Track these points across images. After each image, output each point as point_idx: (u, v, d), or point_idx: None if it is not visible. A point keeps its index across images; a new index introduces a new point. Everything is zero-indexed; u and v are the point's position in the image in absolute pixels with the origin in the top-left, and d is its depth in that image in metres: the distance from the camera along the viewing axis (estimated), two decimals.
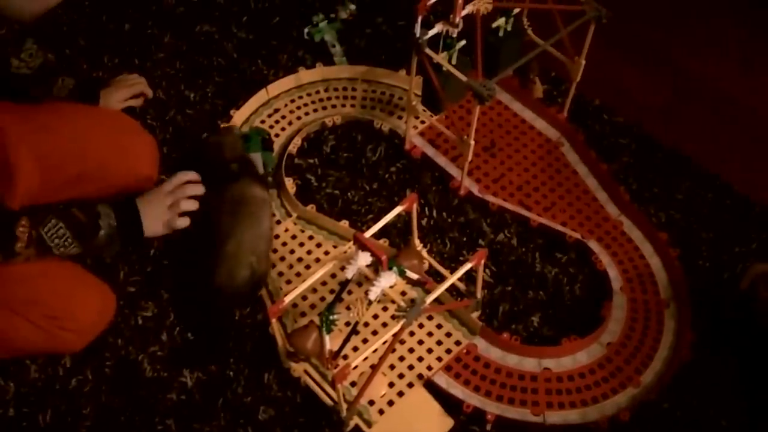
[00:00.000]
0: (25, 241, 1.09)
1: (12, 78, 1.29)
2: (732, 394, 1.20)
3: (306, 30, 1.63)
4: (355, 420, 1.14)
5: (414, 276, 1.11)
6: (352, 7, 1.68)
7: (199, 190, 1.29)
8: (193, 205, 1.27)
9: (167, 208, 1.25)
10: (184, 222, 1.26)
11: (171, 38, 1.64)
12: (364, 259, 1.05)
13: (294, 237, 1.34)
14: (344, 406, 1.11)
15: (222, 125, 1.45)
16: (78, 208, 1.16)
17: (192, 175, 1.30)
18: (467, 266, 1.09)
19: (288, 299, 1.07)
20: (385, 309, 1.26)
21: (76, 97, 1.37)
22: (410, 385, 1.18)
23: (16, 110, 1.26)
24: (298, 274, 1.30)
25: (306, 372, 1.19)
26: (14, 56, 1.29)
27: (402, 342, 1.22)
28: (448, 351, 1.21)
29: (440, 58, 1.28)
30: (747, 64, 1.67)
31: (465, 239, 1.36)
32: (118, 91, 1.45)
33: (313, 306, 1.26)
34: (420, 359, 1.21)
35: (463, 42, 1.36)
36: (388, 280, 1.03)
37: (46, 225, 1.12)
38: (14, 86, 1.30)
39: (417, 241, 1.27)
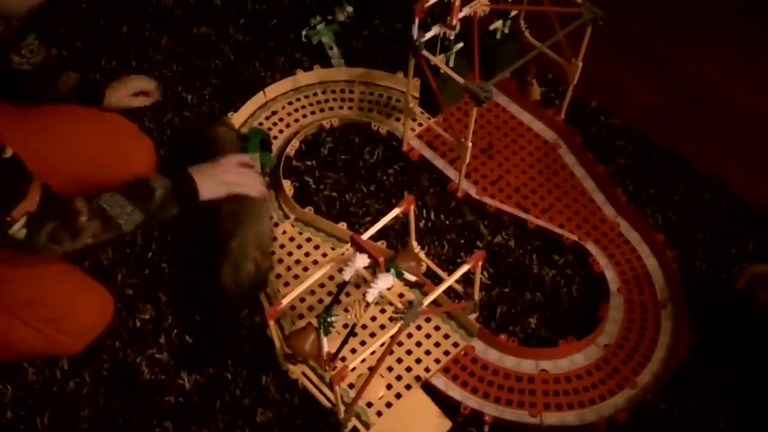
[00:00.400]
0: (87, 214, 1.07)
1: (13, 75, 1.28)
2: (729, 394, 1.20)
3: (303, 32, 1.63)
4: (353, 422, 1.14)
5: (412, 278, 1.11)
6: (350, 9, 1.68)
7: (254, 173, 1.26)
8: (252, 176, 1.23)
9: (222, 173, 1.21)
10: (248, 187, 1.22)
11: (168, 40, 1.64)
12: (362, 261, 1.05)
13: (292, 239, 1.35)
14: (342, 408, 1.12)
15: (220, 119, 1.44)
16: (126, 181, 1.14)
17: (247, 159, 1.27)
18: (464, 268, 1.10)
19: (286, 301, 1.08)
20: (383, 311, 1.26)
21: (81, 92, 1.36)
22: (408, 386, 1.18)
23: (15, 112, 1.26)
24: (296, 276, 1.30)
25: (304, 374, 1.19)
26: (15, 53, 1.27)
27: (400, 344, 1.22)
28: (446, 353, 1.22)
29: (437, 60, 1.28)
30: (745, 64, 1.68)
31: (463, 241, 1.36)
32: (125, 86, 1.44)
33: (311, 308, 1.26)
34: (418, 361, 1.21)
35: (461, 44, 1.36)
36: (385, 282, 1.03)
37: (102, 197, 1.10)
38: (15, 84, 1.29)
39: (414, 243, 1.27)
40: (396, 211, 1.13)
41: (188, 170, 1.19)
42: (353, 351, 1.20)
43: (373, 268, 1.06)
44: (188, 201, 1.17)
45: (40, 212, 1.03)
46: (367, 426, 1.14)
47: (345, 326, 1.16)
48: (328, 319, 1.04)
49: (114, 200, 1.10)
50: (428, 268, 1.29)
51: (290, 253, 1.33)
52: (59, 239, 1.06)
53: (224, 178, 1.20)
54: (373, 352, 1.05)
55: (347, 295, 1.25)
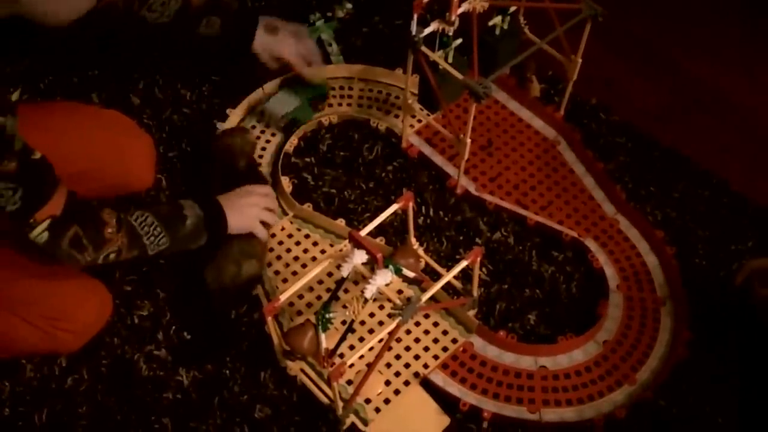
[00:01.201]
0: (114, 226, 1.06)
1: (154, 32, 1.21)
2: (728, 391, 1.20)
3: None
4: (352, 418, 1.14)
5: (410, 274, 1.11)
6: (349, 6, 1.68)
7: (274, 204, 1.29)
8: (271, 218, 1.26)
9: (249, 208, 1.22)
10: (263, 232, 1.24)
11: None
12: (360, 257, 1.05)
13: (290, 236, 1.34)
14: (340, 404, 1.11)
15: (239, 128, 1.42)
16: (158, 202, 1.13)
17: (269, 190, 1.29)
18: (463, 264, 1.09)
19: (284, 298, 1.07)
20: (381, 307, 1.26)
21: (230, 37, 1.30)
22: (407, 383, 1.18)
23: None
24: (294, 273, 1.30)
25: (302, 370, 1.19)
26: (146, 10, 1.22)
27: (398, 340, 1.22)
28: (445, 349, 1.21)
29: (436, 56, 1.28)
30: (745, 63, 1.67)
31: (462, 238, 1.36)
32: (283, 45, 1.36)
33: (309, 304, 1.26)
34: (416, 357, 1.21)
35: (460, 40, 1.36)
36: (383, 278, 1.03)
37: (134, 214, 1.09)
38: (158, 40, 1.21)
39: (413, 240, 1.27)
40: (394, 207, 1.13)
41: (217, 199, 1.19)
42: (351, 347, 1.20)
43: (372, 265, 1.05)
44: (217, 233, 1.18)
45: (64, 216, 1.02)
46: (365, 422, 1.14)
47: (343, 323, 1.16)
48: (326, 316, 1.04)
49: (144, 219, 1.09)
50: (427, 264, 1.29)
51: (288, 250, 1.33)
52: (82, 247, 1.05)
53: (250, 213, 1.22)
54: (371, 349, 1.05)
55: (346, 291, 1.25)
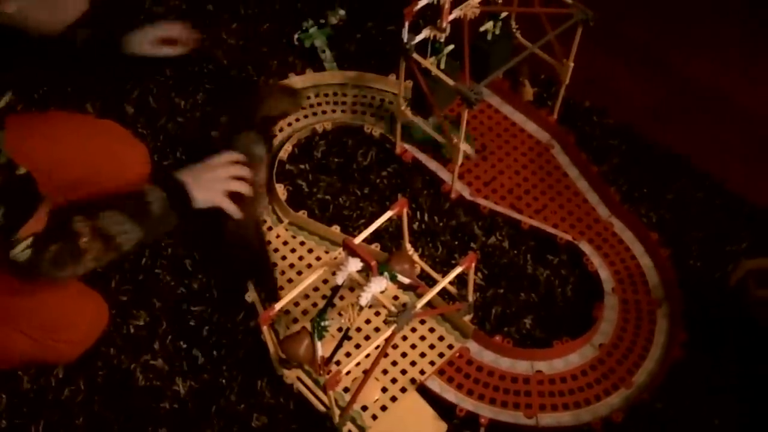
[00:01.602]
0: (88, 234, 1.04)
1: (35, 45, 1.16)
2: (725, 392, 1.20)
3: (296, 36, 1.63)
4: (349, 426, 1.14)
5: (406, 280, 1.11)
6: (342, 12, 1.69)
7: (245, 172, 1.21)
8: (242, 187, 1.19)
9: (214, 182, 1.17)
10: (231, 206, 1.17)
11: None
12: (355, 265, 1.05)
13: (285, 243, 1.35)
14: (337, 412, 1.11)
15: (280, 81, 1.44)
16: (121, 194, 1.11)
17: (238, 157, 1.22)
18: (458, 270, 1.09)
19: (279, 306, 1.07)
20: (377, 314, 1.26)
21: (95, 46, 1.28)
22: (403, 389, 1.18)
23: (9, 119, 1.25)
24: (289, 281, 1.30)
25: (299, 378, 1.19)
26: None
27: (394, 346, 1.22)
28: (441, 355, 1.22)
29: (428, 63, 1.28)
30: (740, 63, 1.67)
31: (457, 243, 1.36)
32: (144, 32, 1.31)
33: (305, 312, 1.26)
34: (413, 363, 1.21)
35: (452, 46, 1.36)
36: (378, 285, 1.03)
37: (102, 217, 1.07)
38: (28, 55, 1.19)
39: (408, 246, 1.27)
40: (388, 214, 1.13)
41: (177, 175, 1.15)
42: (348, 355, 1.20)
43: (367, 272, 1.05)
44: (184, 211, 1.15)
45: (46, 233, 1.01)
46: (362, 430, 1.14)
47: (339, 330, 1.16)
48: (322, 323, 1.04)
49: (113, 218, 1.08)
50: (422, 270, 1.29)
51: (284, 257, 1.33)
52: (62, 263, 1.04)
53: (215, 187, 1.17)
54: (367, 355, 1.05)
55: (342, 298, 1.25)
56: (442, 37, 1.29)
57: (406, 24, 1.22)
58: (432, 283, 1.24)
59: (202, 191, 1.14)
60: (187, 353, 1.23)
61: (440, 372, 1.20)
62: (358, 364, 1.06)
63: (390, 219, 1.15)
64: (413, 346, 1.22)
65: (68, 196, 1.27)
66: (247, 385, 1.19)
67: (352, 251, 1.05)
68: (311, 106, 1.54)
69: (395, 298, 1.27)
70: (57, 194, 1.25)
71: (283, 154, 1.45)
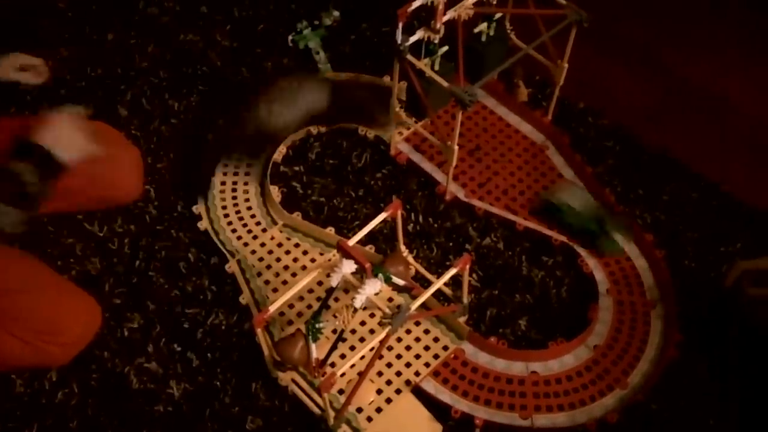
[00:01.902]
0: None
1: None
2: (719, 393, 1.20)
3: (290, 37, 1.63)
4: (344, 428, 1.14)
5: (400, 282, 1.11)
6: (336, 13, 1.68)
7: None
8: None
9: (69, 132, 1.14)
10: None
11: (155, 47, 1.64)
12: (349, 267, 1.04)
13: (280, 245, 1.34)
14: (332, 414, 1.11)
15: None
16: None
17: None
18: (452, 271, 1.09)
19: (274, 308, 1.07)
20: (372, 316, 1.26)
21: None
22: (398, 391, 1.18)
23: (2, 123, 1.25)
24: (284, 283, 1.29)
25: (293, 381, 1.19)
26: None
27: (389, 348, 1.22)
28: (436, 356, 1.21)
29: (422, 64, 1.28)
30: (736, 64, 1.68)
31: (451, 244, 1.36)
32: (8, 59, 1.29)
33: (299, 314, 1.26)
34: (407, 365, 1.20)
35: (446, 48, 1.36)
36: (372, 287, 1.03)
37: None
38: None
39: (403, 247, 1.27)
40: (383, 216, 1.13)
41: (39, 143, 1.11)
42: (343, 356, 1.20)
43: (361, 274, 1.05)
44: (52, 169, 1.11)
45: None
46: None
47: (334, 332, 1.16)
48: (317, 326, 1.03)
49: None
50: (417, 271, 1.29)
51: (278, 259, 1.32)
52: None
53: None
54: (362, 357, 1.05)
55: (336, 300, 1.24)
56: (436, 39, 1.29)
57: (400, 25, 1.22)
58: (427, 284, 1.24)
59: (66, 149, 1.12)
60: (182, 356, 1.22)
61: (435, 373, 1.20)
62: (352, 365, 1.06)
63: (384, 221, 1.14)
64: (408, 348, 1.22)
65: (62, 201, 1.27)
66: (242, 388, 1.19)
67: (346, 253, 1.04)
68: None
69: (390, 299, 1.27)
70: (52, 200, 1.25)
71: (278, 156, 1.45)
